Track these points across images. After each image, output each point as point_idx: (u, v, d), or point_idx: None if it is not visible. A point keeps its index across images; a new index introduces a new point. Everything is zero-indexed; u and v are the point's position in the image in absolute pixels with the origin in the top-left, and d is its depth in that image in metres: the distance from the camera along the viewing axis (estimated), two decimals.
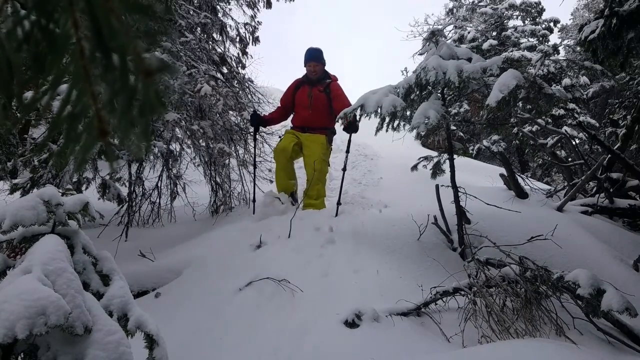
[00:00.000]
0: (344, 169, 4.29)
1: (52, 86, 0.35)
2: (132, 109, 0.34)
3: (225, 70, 5.56)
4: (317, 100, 4.36)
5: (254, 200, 4.35)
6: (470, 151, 7.58)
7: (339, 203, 4.02)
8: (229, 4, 6.10)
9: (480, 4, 14.94)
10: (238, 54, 6.05)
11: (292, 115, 4.71)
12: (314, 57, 4.39)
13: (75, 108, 0.34)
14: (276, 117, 4.63)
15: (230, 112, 4.95)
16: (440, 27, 15.30)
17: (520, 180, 5.03)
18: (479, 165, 8.11)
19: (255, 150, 4.69)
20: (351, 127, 4.19)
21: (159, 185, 5.06)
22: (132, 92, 0.33)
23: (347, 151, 4.42)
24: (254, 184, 4.61)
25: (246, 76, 5.73)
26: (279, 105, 4.65)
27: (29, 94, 0.38)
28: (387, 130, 3.44)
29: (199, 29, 5.20)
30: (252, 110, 4.86)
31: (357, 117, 3.43)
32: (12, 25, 0.35)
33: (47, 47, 0.35)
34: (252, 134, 5.03)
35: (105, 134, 0.34)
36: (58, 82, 0.35)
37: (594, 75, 10.09)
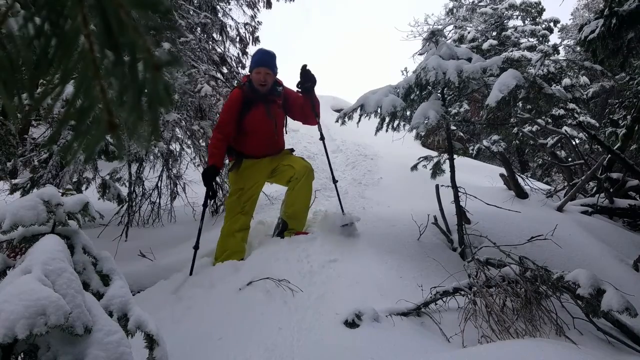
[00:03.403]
0: (335, 182, 3.61)
1: (62, 81, 0.35)
2: (141, 102, 0.34)
3: (225, 70, 5.57)
4: (279, 121, 3.40)
5: (191, 269, 3.05)
6: (470, 151, 7.59)
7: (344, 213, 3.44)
8: (229, 4, 6.11)
9: (480, 4, 14.95)
10: (238, 54, 6.07)
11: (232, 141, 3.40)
12: (265, 62, 3.23)
13: (84, 102, 0.34)
14: (224, 155, 3.35)
15: None
16: (440, 27, 15.30)
17: (520, 180, 5.04)
18: (479, 165, 8.12)
19: (201, 225, 3.25)
20: (307, 77, 3.27)
21: (159, 185, 5.06)
22: (141, 86, 0.34)
23: (322, 138, 3.59)
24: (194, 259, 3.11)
25: None
26: (217, 135, 3.24)
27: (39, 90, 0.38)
28: (387, 130, 3.44)
29: (199, 29, 5.21)
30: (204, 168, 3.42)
31: (356, 115, 3.41)
32: (24, 21, 0.35)
33: (57, 43, 0.35)
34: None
35: (114, 127, 0.34)
36: (68, 77, 0.35)
37: (594, 75, 10.10)
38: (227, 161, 3.80)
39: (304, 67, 3.32)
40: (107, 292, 1.40)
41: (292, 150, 3.64)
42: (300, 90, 3.36)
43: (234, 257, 3.17)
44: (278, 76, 3.38)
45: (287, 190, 3.48)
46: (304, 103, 3.37)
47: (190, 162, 5.30)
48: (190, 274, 3.01)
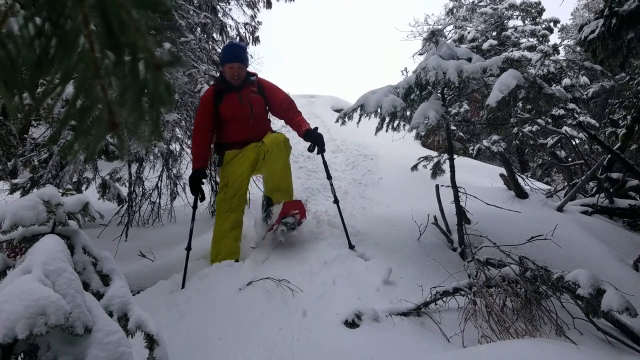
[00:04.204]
0: (336, 201, 3.38)
1: (63, 81, 0.35)
2: (142, 101, 0.34)
3: None
4: (256, 104, 3.32)
5: (185, 272, 2.97)
6: (470, 151, 7.59)
7: (351, 246, 3.17)
8: (229, 4, 6.11)
9: (480, 4, 14.95)
10: None
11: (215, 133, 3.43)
12: (238, 56, 3.24)
13: (85, 102, 0.34)
14: (207, 154, 3.39)
15: None
16: (440, 27, 15.31)
17: (520, 180, 5.04)
18: (479, 165, 8.11)
19: (192, 226, 3.18)
20: (317, 140, 3.25)
21: (159, 185, 5.06)
22: (142, 85, 0.34)
23: (329, 177, 3.47)
24: (187, 262, 3.03)
25: None
26: (196, 136, 3.31)
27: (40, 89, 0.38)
28: (387, 130, 3.44)
29: (199, 29, 5.21)
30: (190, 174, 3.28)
31: (357, 119, 3.41)
32: (24, 21, 0.35)
33: (57, 43, 0.35)
34: None
35: (115, 126, 0.34)
36: (68, 77, 0.35)
37: (594, 75, 10.10)
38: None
39: (316, 129, 3.32)
40: (107, 292, 1.40)
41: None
42: (305, 133, 3.30)
43: (228, 259, 3.09)
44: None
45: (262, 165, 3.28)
46: (298, 133, 3.35)
47: (190, 162, 5.30)
48: (183, 283, 2.90)
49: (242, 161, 3.30)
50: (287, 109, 3.43)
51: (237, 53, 3.25)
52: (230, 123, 3.30)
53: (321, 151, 3.31)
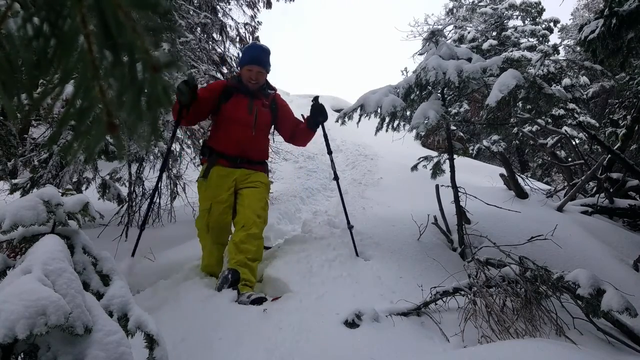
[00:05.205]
0: (336, 178, 3.34)
1: (62, 81, 0.35)
2: (140, 103, 0.34)
3: (225, 70, 5.57)
4: (262, 119, 3.03)
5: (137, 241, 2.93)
6: (470, 151, 7.59)
7: (349, 224, 3.18)
8: (229, 4, 6.11)
9: (480, 4, 14.95)
10: (238, 54, 6.06)
11: (208, 135, 3.16)
12: (259, 60, 2.98)
13: (84, 102, 0.34)
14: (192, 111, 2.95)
15: None
16: (440, 27, 15.32)
17: (520, 180, 5.04)
18: (479, 165, 8.12)
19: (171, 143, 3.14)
20: (318, 110, 3.09)
21: (159, 185, 5.06)
22: (140, 87, 0.34)
23: (329, 152, 3.36)
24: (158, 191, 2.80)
25: None
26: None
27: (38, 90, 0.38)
28: (387, 130, 3.45)
29: (199, 29, 5.21)
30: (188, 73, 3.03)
31: (353, 116, 3.40)
32: (22, 22, 0.35)
33: (56, 43, 0.35)
34: None
35: (114, 128, 0.34)
36: (67, 78, 0.35)
37: (594, 75, 10.09)
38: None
39: (317, 99, 3.16)
40: (107, 292, 1.40)
41: (268, 174, 3.29)
42: (306, 121, 3.15)
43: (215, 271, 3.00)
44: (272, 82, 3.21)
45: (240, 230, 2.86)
46: (305, 133, 3.18)
47: (190, 162, 5.30)
48: (134, 252, 2.89)
49: (227, 186, 2.97)
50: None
51: (259, 55, 2.97)
52: (228, 127, 2.97)
53: (323, 120, 3.13)
